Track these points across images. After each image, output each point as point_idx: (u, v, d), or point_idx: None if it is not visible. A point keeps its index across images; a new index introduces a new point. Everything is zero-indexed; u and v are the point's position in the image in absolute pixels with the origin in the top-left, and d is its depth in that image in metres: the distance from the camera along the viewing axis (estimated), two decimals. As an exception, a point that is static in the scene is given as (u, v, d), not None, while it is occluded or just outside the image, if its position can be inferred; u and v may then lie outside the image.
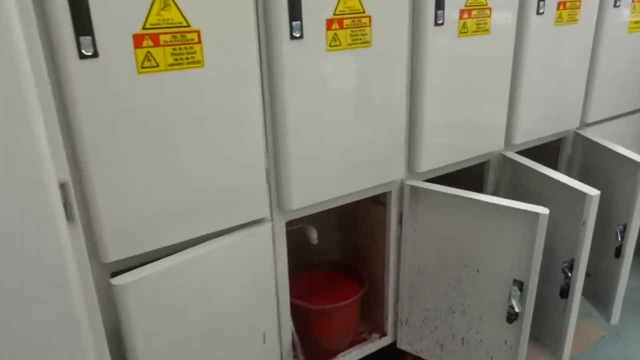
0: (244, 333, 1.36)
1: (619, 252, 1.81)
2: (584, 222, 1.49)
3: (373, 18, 1.32)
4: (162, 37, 1.03)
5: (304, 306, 1.63)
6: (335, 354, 1.71)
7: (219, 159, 1.19)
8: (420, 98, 1.50)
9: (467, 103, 1.61)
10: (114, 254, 1.11)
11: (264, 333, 1.41)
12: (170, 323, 1.21)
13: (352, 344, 1.75)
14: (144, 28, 1.02)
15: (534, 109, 1.80)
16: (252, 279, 1.33)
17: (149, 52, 1.03)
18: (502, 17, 1.58)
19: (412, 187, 1.58)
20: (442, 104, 1.55)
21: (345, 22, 1.27)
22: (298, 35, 1.20)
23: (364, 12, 1.30)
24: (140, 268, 1.14)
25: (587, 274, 1.62)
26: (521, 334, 1.49)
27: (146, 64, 1.03)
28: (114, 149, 1.05)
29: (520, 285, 1.48)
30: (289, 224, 1.42)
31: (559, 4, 1.71)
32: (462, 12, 1.48)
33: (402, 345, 1.81)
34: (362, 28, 1.31)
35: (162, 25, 1.03)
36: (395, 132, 1.48)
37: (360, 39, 1.32)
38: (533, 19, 1.66)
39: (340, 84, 1.33)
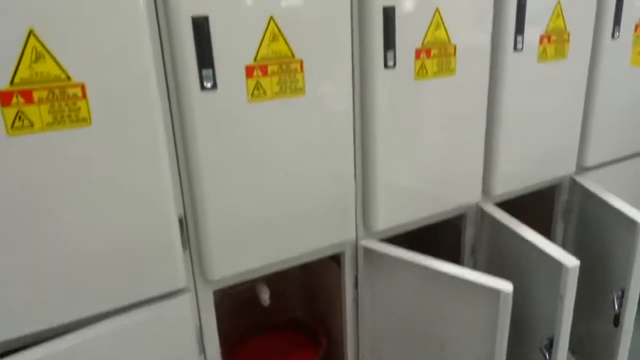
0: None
1: (617, 321, 1.58)
2: (561, 297, 1.28)
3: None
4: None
5: None
6: None
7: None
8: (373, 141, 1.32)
9: (435, 145, 1.43)
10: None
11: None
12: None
13: None
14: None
15: (517, 151, 1.60)
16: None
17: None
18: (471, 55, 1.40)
19: (367, 249, 1.39)
20: (401, 148, 1.37)
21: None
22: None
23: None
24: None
25: (573, 352, 1.40)
26: None
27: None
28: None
29: (485, 366, 1.27)
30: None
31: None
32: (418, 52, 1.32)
33: None
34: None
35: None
36: (343, 182, 1.31)
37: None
38: (509, 56, 1.47)
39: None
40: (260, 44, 1.09)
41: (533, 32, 1.48)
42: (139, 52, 0.98)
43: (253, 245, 1.21)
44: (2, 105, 0.88)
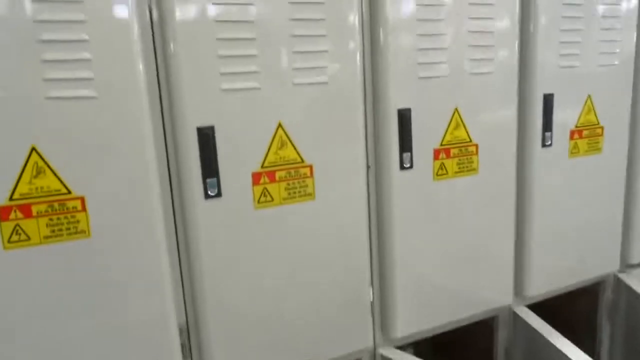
0: None
1: None
2: None
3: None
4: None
5: None
6: None
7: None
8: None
9: (458, 246, 1.35)
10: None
11: None
12: None
13: None
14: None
15: (552, 250, 1.49)
16: None
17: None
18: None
19: (384, 358, 1.30)
20: (421, 250, 1.30)
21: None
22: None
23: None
24: None
25: None
26: None
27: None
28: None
29: None
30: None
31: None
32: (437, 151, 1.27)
33: None
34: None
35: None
36: (357, 289, 1.23)
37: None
38: (537, 153, 1.40)
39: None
40: (268, 151, 1.07)
41: (562, 127, 1.42)
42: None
43: (259, 353, 1.14)
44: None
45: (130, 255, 0.98)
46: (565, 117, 1.42)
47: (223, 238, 1.06)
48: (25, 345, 0.93)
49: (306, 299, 1.18)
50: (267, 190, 1.08)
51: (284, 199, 1.10)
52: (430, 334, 1.39)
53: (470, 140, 1.29)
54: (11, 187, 0.88)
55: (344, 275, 1.21)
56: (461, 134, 1.28)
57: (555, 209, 1.46)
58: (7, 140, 0.86)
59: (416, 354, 1.40)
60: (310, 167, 1.11)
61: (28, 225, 0.90)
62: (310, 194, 1.12)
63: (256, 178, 1.06)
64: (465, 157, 1.29)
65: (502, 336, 1.52)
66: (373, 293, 1.28)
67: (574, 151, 1.45)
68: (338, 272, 1.20)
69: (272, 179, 1.08)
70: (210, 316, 1.09)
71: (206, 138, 1.00)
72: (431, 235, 1.29)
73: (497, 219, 1.38)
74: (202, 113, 1.00)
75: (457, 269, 1.36)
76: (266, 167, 1.07)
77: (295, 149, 1.09)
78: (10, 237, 0.89)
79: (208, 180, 1.02)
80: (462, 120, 1.27)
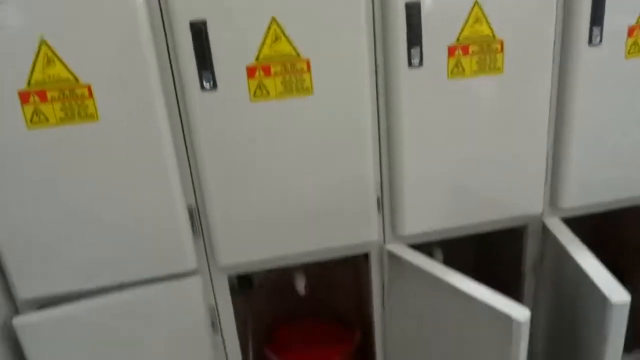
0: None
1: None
2: (604, 339, 1.09)
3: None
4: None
5: None
6: None
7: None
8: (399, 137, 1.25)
9: (477, 148, 1.30)
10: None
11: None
12: None
13: None
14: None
15: (595, 157, 1.36)
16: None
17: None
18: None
19: (391, 254, 1.34)
20: (433, 149, 1.27)
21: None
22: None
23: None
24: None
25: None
26: None
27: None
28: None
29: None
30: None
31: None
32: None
33: None
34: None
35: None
36: (360, 182, 1.26)
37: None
38: (583, 52, 1.26)
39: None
40: (262, 45, 1.09)
41: (617, 22, 1.24)
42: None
43: (260, 238, 1.25)
44: (22, 103, 1.03)
45: (137, 138, 1.10)
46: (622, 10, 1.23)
47: (219, 128, 1.13)
48: (44, 209, 1.11)
49: (308, 191, 1.23)
50: (263, 84, 1.12)
51: (281, 93, 1.13)
52: (450, 235, 1.39)
53: (494, 36, 1.19)
54: (27, 75, 1.02)
55: (349, 170, 1.24)
56: (483, 29, 1.18)
57: (602, 115, 1.32)
58: (19, 34, 0.99)
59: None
60: (307, 61, 1.12)
61: (45, 108, 1.04)
62: (307, 89, 1.14)
63: (251, 72, 1.11)
64: (487, 55, 1.21)
65: (530, 249, 1.47)
66: (382, 190, 1.30)
67: (633, 50, 1.28)
68: (341, 166, 1.23)
69: (268, 73, 1.11)
70: (214, 202, 1.19)
71: (199, 32, 1.05)
72: (446, 136, 1.26)
73: (527, 122, 1.29)
74: (194, 8, 1.04)
75: (477, 173, 1.31)
76: (261, 60, 1.10)
77: (290, 43, 1.10)
78: (32, 118, 1.04)
79: (203, 73, 1.08)
80: (484, 14, 1.17)
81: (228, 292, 1.32)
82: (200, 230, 1.25)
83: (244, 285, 1.55)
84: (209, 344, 1.32)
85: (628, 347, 1.57)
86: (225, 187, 1.19)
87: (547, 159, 1.35)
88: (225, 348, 1.38)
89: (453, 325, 1.24)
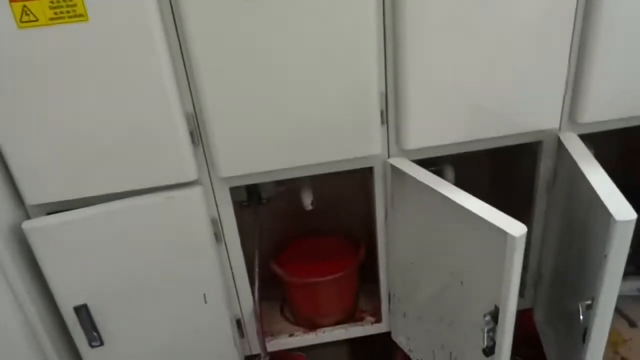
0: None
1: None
2: (606, 256, 1.06)
3: None
4: None
5: (281, 275, 1.54)
6: (318, 326, 1.60)
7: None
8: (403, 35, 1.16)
9: (485, 55, 1.21)
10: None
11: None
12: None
13: (341, 321, 1.61)
14: None
15: (623, 67, 1.25)
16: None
17: None
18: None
19: (394, 167, 1.31)
20: (438, 56, 1.19)
21: None
22: None
23: None
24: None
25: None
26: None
27: None
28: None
29: (496, 314, 1.15)
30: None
31: None
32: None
33: (396, 338, 1.60)
34: None
35: None
36: (362, 93, 1.21)
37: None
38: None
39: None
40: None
41: None
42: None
43: (260, 149, 1.23)
44: (10, 1, 1.01)
45: (128, 41, 1.07)
46: None
47: (215, 31, 1.09)
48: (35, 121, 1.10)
49: (310, 102, 1.19)
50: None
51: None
52: (453, 152, 1.34)
53: None
54: (13, -31, 0.98)
55: (351, 80, 1.19)
56: None
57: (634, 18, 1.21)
58: None
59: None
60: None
61: (34, 6, 1.01)
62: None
63: (245, -31, 1.04)
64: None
65: (544, 167, 1.41)
66: (387, 102, 1.25)
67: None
68: (344, 76, 1.17)
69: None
70: (213, 111, 1.16)
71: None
72: (456, 42, 1.18)
73: (548, 30, 1.20)
74: None
75: (489, 83, 1.23)
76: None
77: None
78: (22, 17, 1.02)
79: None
80: None
81: (230, 203, 1.32)
82: (200, 140, 1.23)
83: (253, 199, 1.55)
84: (213, 255, 1.34)
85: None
86: (224, 97, 1.15)
87: (568, 70, 1.26)
88: (229, 260, 1.40)
89: (452, 241, 1.22)
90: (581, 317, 1.15)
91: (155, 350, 1.39)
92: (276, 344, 1.53)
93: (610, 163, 1.24)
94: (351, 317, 1.58)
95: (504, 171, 1.69)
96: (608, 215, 1.05)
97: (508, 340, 1.14)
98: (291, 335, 1.54)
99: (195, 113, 1.19)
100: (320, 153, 1.25)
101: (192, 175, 1.24)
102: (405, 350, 1.56)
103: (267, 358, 1.41)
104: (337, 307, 1.59)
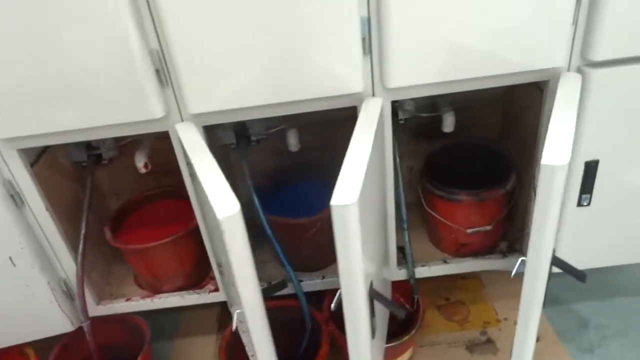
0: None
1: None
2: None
3: None
4: None
5: (108, 239, 1.21)
6: (160, 291, 1.26)
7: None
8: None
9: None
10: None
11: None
12: None
13: (184, 287, 1.26)
14: None
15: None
16: None
17: None
18: None
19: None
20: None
21: None
22: None
23: None
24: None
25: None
26: None
27: None
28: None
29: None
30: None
31: None
32: None
33: (231, 308, 1.26)
34: None
35: None
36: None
37: None
38: None
39: None
40: None
41: None
42: None
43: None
44: None
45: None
46: None
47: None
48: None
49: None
50: None
51: None
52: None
53: None
54: None
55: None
56: None
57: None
58: None
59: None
60: None
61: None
62: None
63: None
64: None
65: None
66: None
67: None
68: None
69: None
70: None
71: None
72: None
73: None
74: None
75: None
76: None
77: None
78: None
79: None
80: None
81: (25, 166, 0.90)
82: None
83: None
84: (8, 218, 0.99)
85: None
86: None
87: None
88: (38, 222, 1.05)
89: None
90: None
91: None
92: (111, 308, 1.24)
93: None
94: (197, 283, 1.29)
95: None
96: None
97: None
98: (128, 300, 1.25)
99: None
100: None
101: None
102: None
103: (87, 322, 1.17)
104: (173, 273, 1.25)
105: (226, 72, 0.88)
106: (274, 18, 0.83)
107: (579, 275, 0.78)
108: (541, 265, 0.77)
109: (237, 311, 0.80)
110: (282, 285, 0.85)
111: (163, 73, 0.89)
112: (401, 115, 1.14)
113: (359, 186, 0.68)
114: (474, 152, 1.27)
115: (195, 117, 0.94)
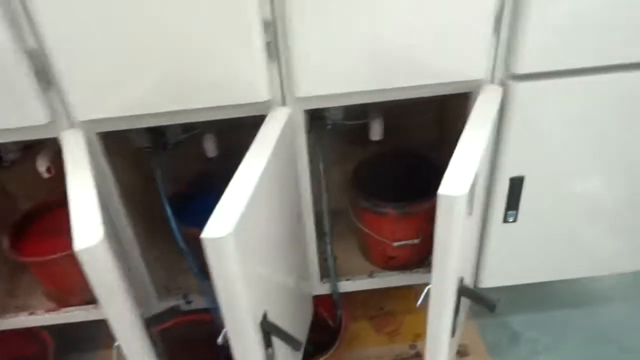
0: None
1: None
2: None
3: None
4: None
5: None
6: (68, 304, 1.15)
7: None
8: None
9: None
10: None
11: None
12: None
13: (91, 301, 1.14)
14: None
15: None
16: None
17: None
18: None
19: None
20: None
21: None
22: None
23: None
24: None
25: None
26: None
27: None
28: None
29: None
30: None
31: None
32: None
33: None
34: None
35: None
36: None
37: None
38: None
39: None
40: None
41: None
42: None
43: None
44: None
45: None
46: None
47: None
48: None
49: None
50: None
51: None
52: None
53: None
54: None
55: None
56: None
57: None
58: None
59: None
60: None
61: None
62: None
63: None
64: None
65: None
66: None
67: None
68: None
69: None
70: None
71: None
72: None
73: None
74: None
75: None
76: None
77: None
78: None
79: None
80: None
81: None
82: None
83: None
84: None
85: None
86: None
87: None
88: None
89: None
90: None
91: None
92: (15, 322, 1.13)
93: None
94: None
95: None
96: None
97: None
98: (32, 313, 1.14)
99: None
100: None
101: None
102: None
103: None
104: (79, 286, 1.13)
105: (117, 76, 0.78)
106: (167, 19, 0.73)
107: (489, 305, 0.73)
108: (446, 296, 0.71)
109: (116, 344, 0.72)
110: (173, 312, 0.78)
111: (45, 76, 0.78)
112: (329, 121, 1.08)
113: (237, 215, 0.60)
114: (407, 160, 1.20)
115: (88, 124, 0.83)
